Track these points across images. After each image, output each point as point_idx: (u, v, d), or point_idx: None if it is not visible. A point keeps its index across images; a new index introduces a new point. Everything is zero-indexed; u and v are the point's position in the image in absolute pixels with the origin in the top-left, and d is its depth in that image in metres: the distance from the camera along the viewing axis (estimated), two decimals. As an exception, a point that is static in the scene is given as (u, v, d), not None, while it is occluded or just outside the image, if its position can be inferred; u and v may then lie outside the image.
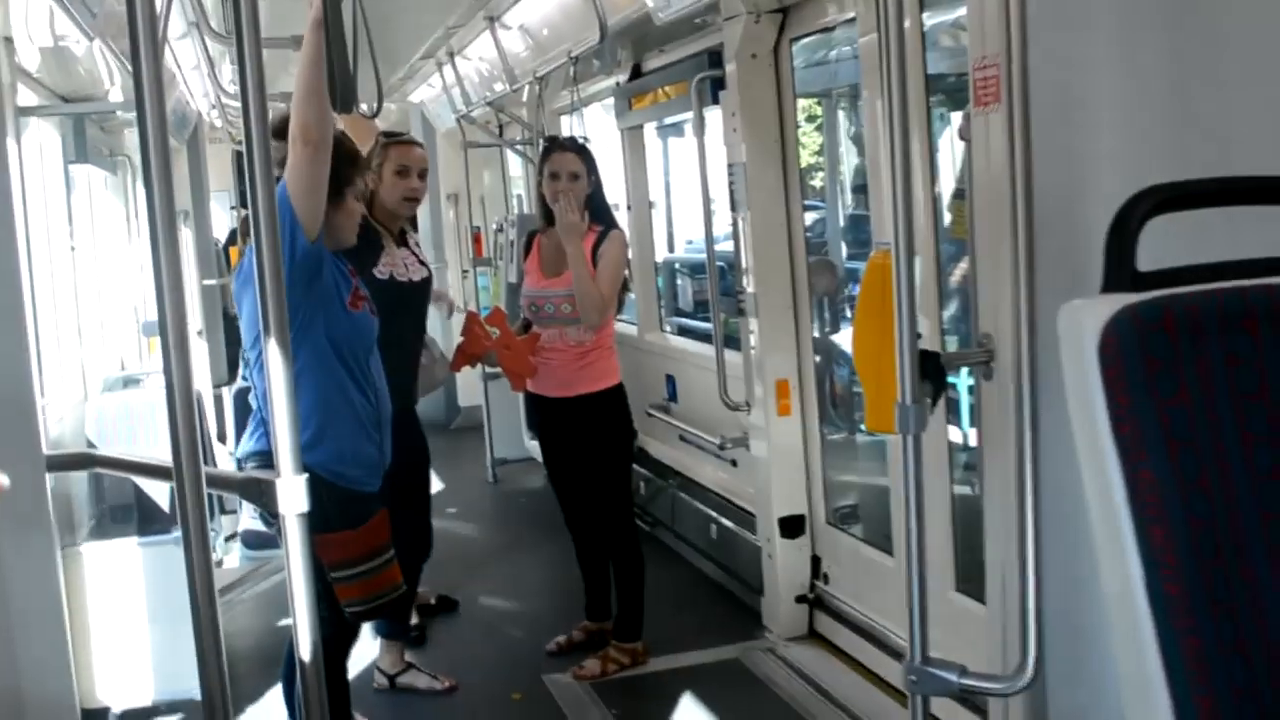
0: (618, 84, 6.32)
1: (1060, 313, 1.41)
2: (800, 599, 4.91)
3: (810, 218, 9.54)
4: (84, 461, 2.15)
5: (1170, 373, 1.33)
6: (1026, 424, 2.34)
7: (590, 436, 4.65)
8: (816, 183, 7.41)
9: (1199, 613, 1.25)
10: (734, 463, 5.53)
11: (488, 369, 7.80)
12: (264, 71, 2.01)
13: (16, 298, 1.63)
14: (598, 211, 4.69)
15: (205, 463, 4.88)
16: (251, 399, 3.68)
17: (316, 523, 2.91)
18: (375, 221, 4.31)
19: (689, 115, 5.34)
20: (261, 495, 2.03)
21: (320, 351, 3.37)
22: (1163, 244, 1.54)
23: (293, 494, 2.01)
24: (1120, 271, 1.40)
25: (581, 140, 4.95)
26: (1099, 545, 1.33)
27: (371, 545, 3.42)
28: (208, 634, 1.85)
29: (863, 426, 4.86)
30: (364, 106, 3.67)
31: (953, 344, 4.09)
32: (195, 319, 8.27)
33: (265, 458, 3.33)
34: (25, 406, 1.63)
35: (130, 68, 1.81)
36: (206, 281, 8.32)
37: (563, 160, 4.63)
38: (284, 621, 4.13)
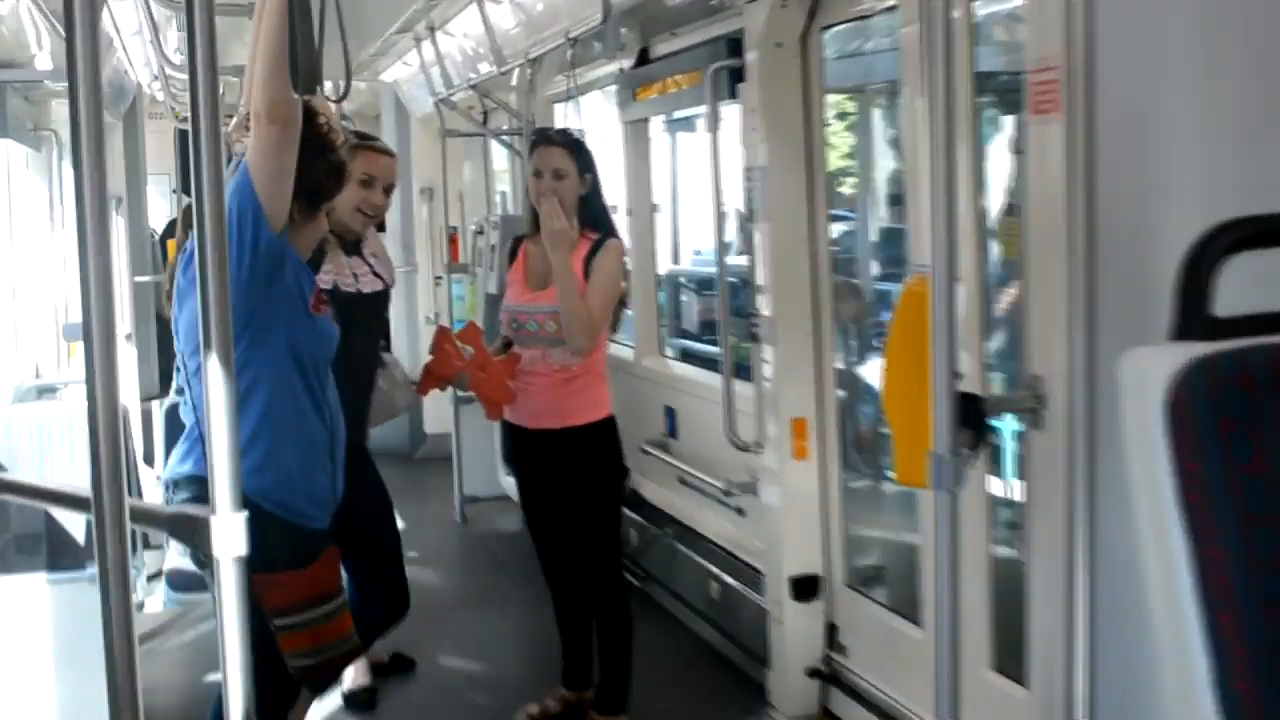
0: (621, 70, 6.34)
1: (1122, 361, 1.41)
2: (812, 673, 4.89)
3: (838, 230, 9.59)
4: (-13, 487, 2.14)
5: (1247, 436, 1.33)
6: (1080, 482, 2.34)
7: (574, 475, 4.64)
8: (846, 190, 7.43)
9: (1271, 713, 1.25)
10: (740, 511, 5.52)
11: (459, 393, 7.83)
12: (215, 40, 2.02)
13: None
14: (593, 217, 4.68)
15: (130, 489, 4.87)
16: (185, 413, 3.67)
17: (257, 561, 2.89)
18: None
19: (702, 109, 5.36)
20: (193, 534, 2.01)
21: (278, 360, 3.38)
22: (1241, 286, 1.54)
23: (230, 534, 2.00)
24: (1193, 317, 1.41)
25: (576, 133, 4.95)
26: (1159, 630, 1.33)
27: (320, 588, 3.42)
28: (124, 687, 1.84)
29: (890, 475, 4.86)
30: (329, 86, 3.69)
31: (998, 384, 4.10)
32: (125, 321, 8.29)
33: (199, 484, 3.33)
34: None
35: (62, 31, 1.82)
36: (140, 278, 8.35)
37: (548, 156, 4.62)
38: (212, 676, 4.11)
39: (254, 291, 3.28)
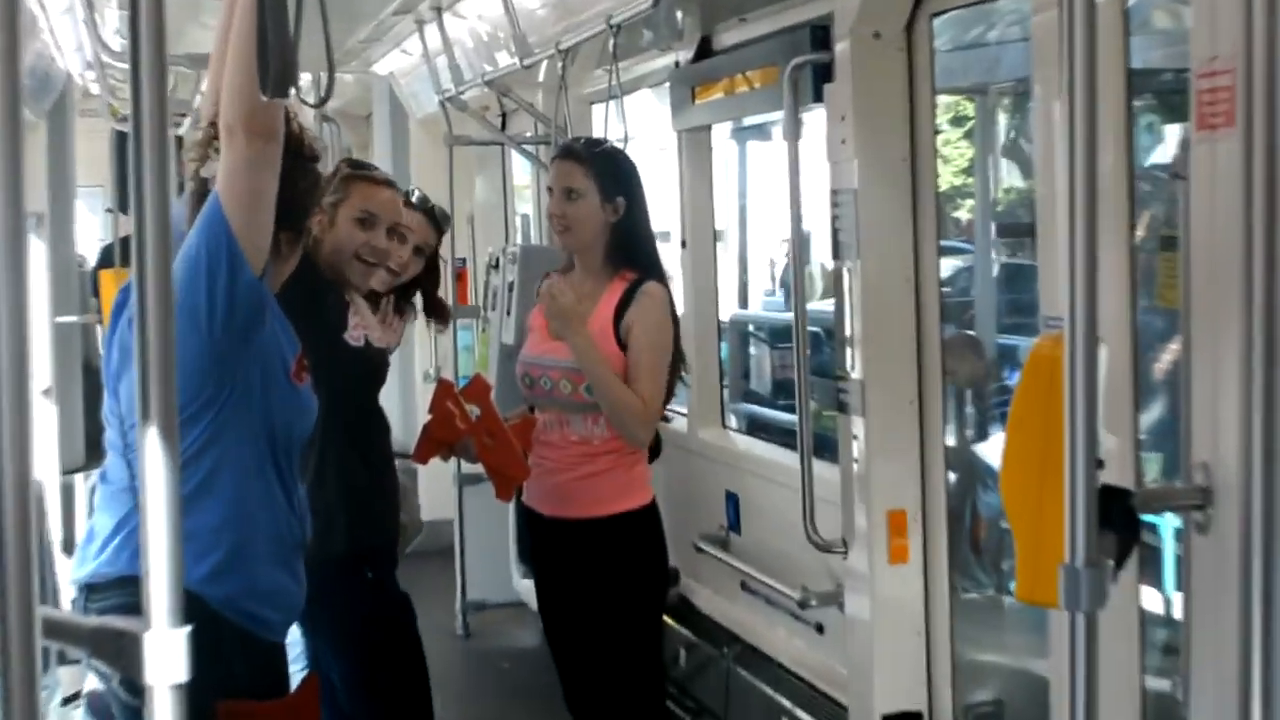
0: (677, 64, 6.37)
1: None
2: None
3: (950, 267, 9.57)
4: None
5: None
6: (1257, 601, 2.30)
7: (602, 579, 4.63)
8: (962, 215, 7.45)
9: None
10: (819, 628, 5.50)
11: (464, 464, 7.85)
12: (164, 20, 2.03)
13: None
14: (627, 252, 4.68)
15: (44, 593, 4.94)
16: (119, 496, 3.65)
17: (217, 686, 2.94)
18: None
19: (778, 115, 5.37)
20: (120, 655, 2.02)
21: (251, 438, 3.40)
22: None
23: (167, 654, 2.01)
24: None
25: (612, 144, 4.95)
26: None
27: None
28: None
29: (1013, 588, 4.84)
30: (305, 81, 3.70)
31: (1154, 468, 4.08)
32: (43, 372, 8.35)
33: (132, 588, 3.34)
34: None
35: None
36: (63, 318, 8.41)
37: (561, 170, 4.66)
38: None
39: (227, 351, 3.30)
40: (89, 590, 3.49)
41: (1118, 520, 2.51)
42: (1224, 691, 2.42)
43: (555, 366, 4.62)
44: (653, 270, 4.72)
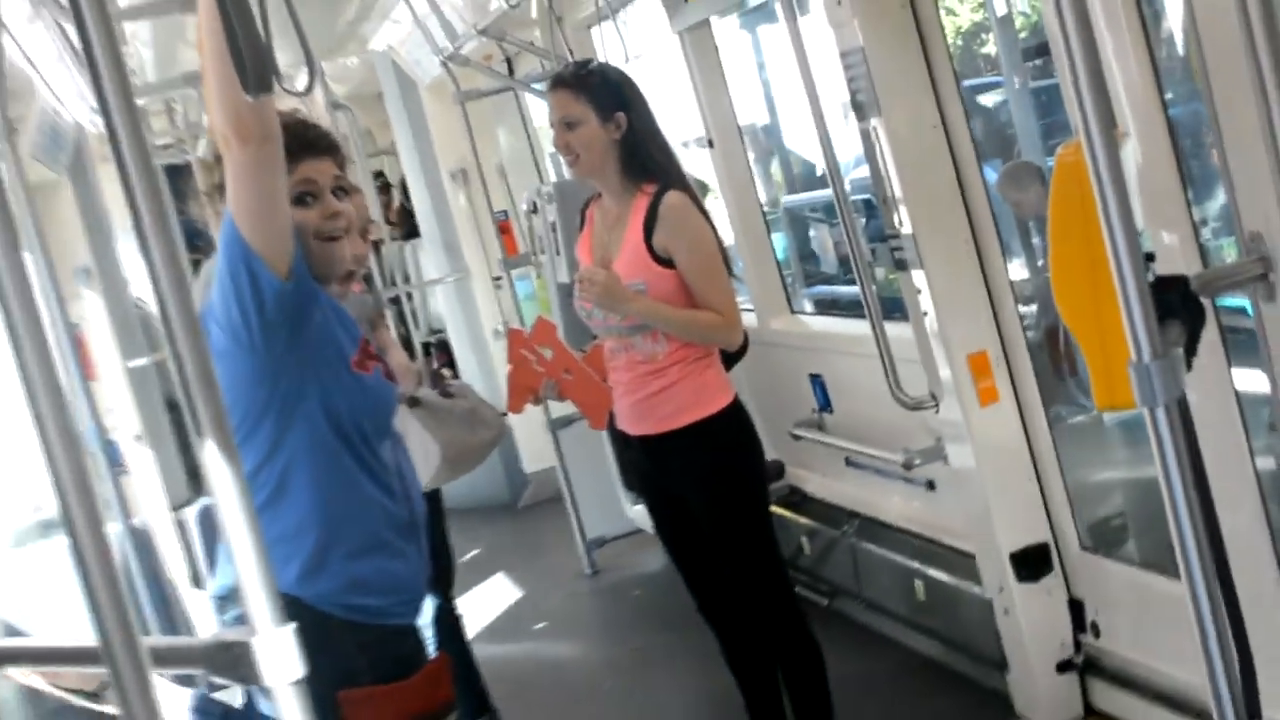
0: (665, -35, 6.34)
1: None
2: (1063, 666, 4.88)
3: (991, 101, 9.50)
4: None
5: None
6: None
7: (700, 486, 4.62)
8: (990, 49, 7.40)
9: None
10: (930, 485, 5.52)
11: (553, 409, 7.90)
12: (115, 41, 2.04)
13: None
14: (639, 163, 4.60)
15: (174, 625, 5.00)
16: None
17: (334, 678, 2.98)
18: None
19: (775, -6, 5.33)
20: (235, 665, 2.06)
21: (316, 434, 3.40)
22: None
23: (279, 655, 2.04)
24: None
25: (598, 65, 4.87)
26: None
27: (423, 705, 3.45)
28: None
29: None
30: (300, 82, 3.68)
31: (1225, 252, 4.04)
32: (131, 419, 8.44)
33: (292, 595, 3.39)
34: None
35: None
36: (134, 362, 8.48)
37: (555, 102, 4.61)
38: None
39: (274, 358, 3.30)
40: (221, 601, 3.54)
41: (1179, 308, 2.50)
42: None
43: None
44: (671, 176, 4.63)
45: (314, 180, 3.46)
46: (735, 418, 4.61)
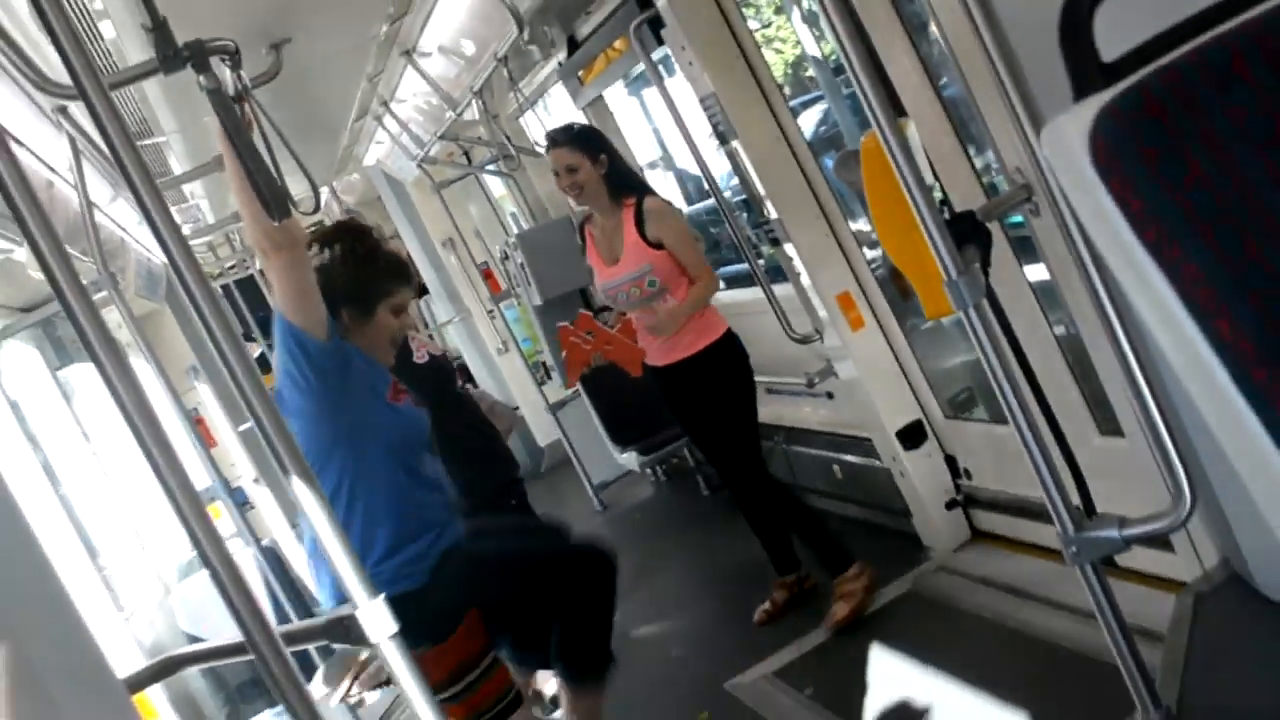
0: (559, 64, 6.31)
1: (1042, 138, 1.40)
2: (950, 504, 4.91)
3: (819, 110, 9.47)
4: (164, 669, 2.20)
5: (1174, 155, 1.31)
6: (1086, 254, 2.30)
7: (715, 389, 4.79)
8: (812, 72, 7.34)
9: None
10: (829, 395, 5.52)
11: (550, 397, 7.91)
12: (164, 204, 2.03)
13: (24, 535, 1.67)
14: (621, 185, 4.79)
15: (308, 611, 4.94)
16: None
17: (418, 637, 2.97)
18: None
19: (642, 66, 5.32)
20: (349, 633, 2.06)
21: (374, 454, 3.40)
22: (1132, 29, 1.51)
23: (376, 620, 2.04)
24: (1085, 71, 1.39)
25: (577, 127, 4.99)
26: (1175, 366, 1.32)
27: (460, 656, 3.45)
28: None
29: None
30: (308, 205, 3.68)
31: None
32: (248, 468, 8.41)
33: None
34: (79, 638, 1.67)
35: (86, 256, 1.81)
36: (243, 427, 8.45)
37: (556, 157, 4.78)
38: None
39: (331, 401, 3.31)
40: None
41: (972, 235, 2.50)
42: (1088, 313, 2.42)
43: (621, 283, 4.79)
44: (644, 190, 4.85)
45: (403, 304, 3.59)
46: (731, 340, 4.85)
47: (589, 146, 4.75)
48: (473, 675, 3.42)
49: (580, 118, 6.64)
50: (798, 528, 4.89)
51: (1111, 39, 1.45)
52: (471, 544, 3.55)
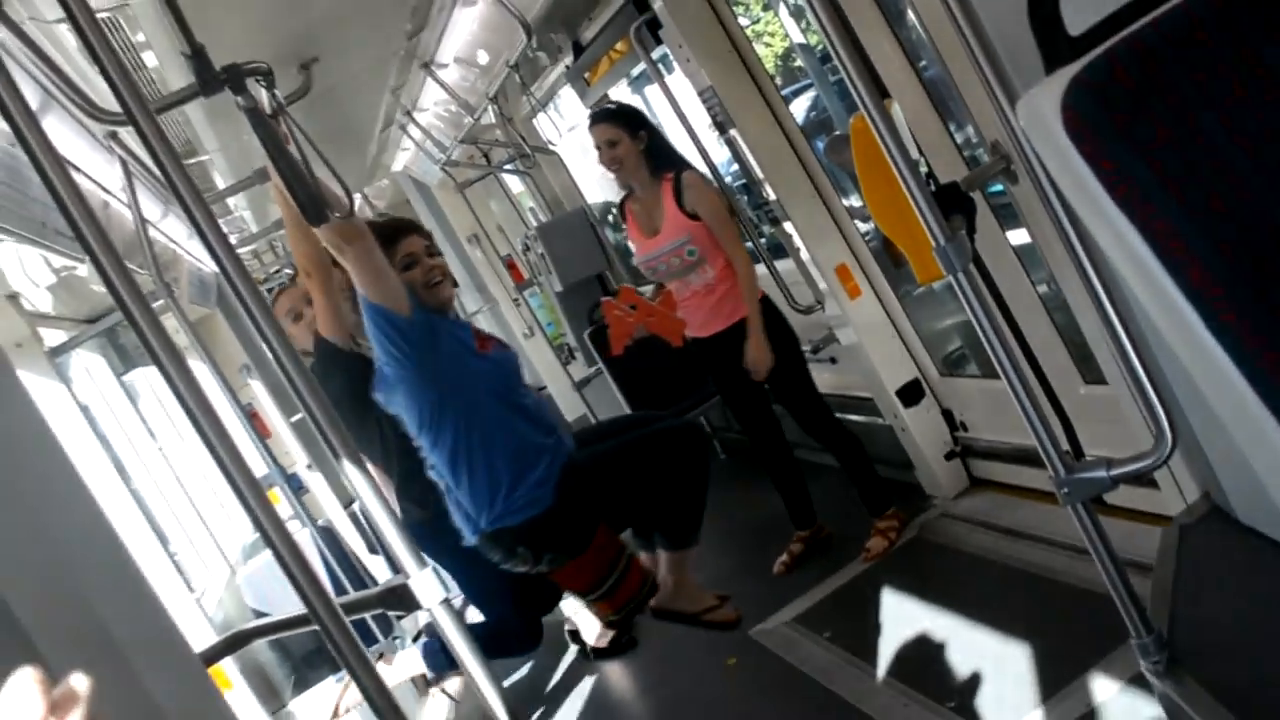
0: (566, 68, 6.30)
1: (1017, 110, 1.39)
2: (949, 455, 4.90)
3: (808, 97, 9.42)
4: (235, 643, 2.22)
5: (1141, 119, 1.30)
6: (1064, 216, 2.28)
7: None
8: (801, 62, 7.29)
9: (1265, 331, 1.24)
10: (833, 360, 5.51)
11: (576, 375, 7.92)
12: (212, 215, 2.04)
13: (103, 527, 1.68)
14: (661, 160, 4.71)
15: (363, 584, 4.96)
16: (434, 475, 3.62)
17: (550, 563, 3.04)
18: None
19: (644, 65, 5.31)
20: (402, 600, 2.07)
21: (483, 406, 3.43)
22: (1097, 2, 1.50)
23: (427, 588, 2.06)
24: (1054, 45, 1.38)
25: (617, 105, 4.95)
26: (1152, 314, 1.31)
27: (598, 569, 3.50)
28: (409, 745, 1.90)
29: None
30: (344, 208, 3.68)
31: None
32: (301, 455, 8.45)
33: (499, 536, 3.43)
34: (157, 618, 1.69)
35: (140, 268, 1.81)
36: (294, 418, 8.48)
37: (597, 133, 4.71)
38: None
39: (428, 367, 3.35)
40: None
41: (955, 203, 2.48)
42: (1070, 273, 2.41)
43: (662, 254, 4.73)
44: (681, 165, 4.75)
45: (412, 252, 3.59)
46: (769, 304, 4.76)
47: (629, 123, 4.69)
48: (612, 579, 3.47)
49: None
50: (854, 459, 4.85)
51: (1079, 12, 1.44)
52: (580, 455, 3.56)
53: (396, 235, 3.54)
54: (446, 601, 2.06)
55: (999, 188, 3.79)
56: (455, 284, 3.85)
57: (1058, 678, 3.33)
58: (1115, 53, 1.32)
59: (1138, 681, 2.95)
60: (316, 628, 1.89)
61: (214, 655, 2.27)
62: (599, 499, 3.53)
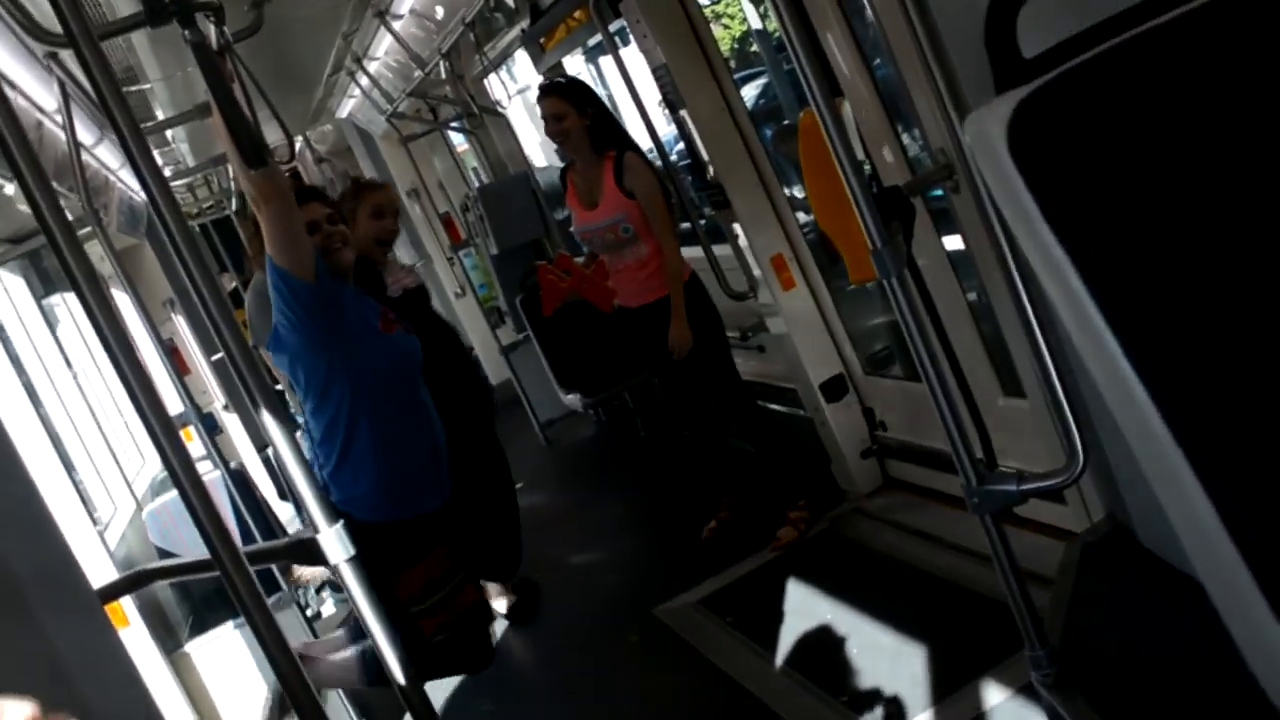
0: (522, 31, 6.25)
1: (964, 127, 1.41)
2: (866, 453, 4.94)
3: (759, 84, 9.42)
4: (135, 582, 2.19)
5: (1086, 147, 1.32)
6: (1000, 231, 2.32)
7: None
8: (756, 47, 7.29)
9: (1183, 365, 1.26)
10: (761, 348, 5.54)
11: (503, 339, 7.89)
12: (147, 146, 2.01)
13: (5, 449, 1.65)
14: (604, 138, 4.76)
15: (273, 528, 4.89)
16: (306, 449, 3.69)
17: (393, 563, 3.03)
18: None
19: (600, 36, 5.28)
20: (308, 555, 2.06)
21: (369, 386, 3.41)
22: (1053, 28, 1.51)
23: (335, 544, 2.04)
24: (1006, 67, 1.40)
25: (568, 80, 4.96)
26: (1072, 332, 1.33)
27: (427, 577, 3.50)
28: (300, 695, 1.89)
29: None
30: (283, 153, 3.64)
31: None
32: (218, 395, 8.35)
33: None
34: (56, 548, 1.66)
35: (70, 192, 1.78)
36: (215, 356, 8.37)
37: (545, 105, 4.75)
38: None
39: (320, 334, 3.31)
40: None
41: (896, 209, 2.51)
42: (998, 284, 2.44)
43: (598, 228, 4.79)
44: (625, 144, 4.80)
45: (313, 219, 3.53)
46: (696, 282, 4.84)
47: (577, 99, 4.73)
48: (442, 592, 3.47)
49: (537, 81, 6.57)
50: (770, 450, 4.92)
51: (1035, 32, 1.45)
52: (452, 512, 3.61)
53: (300, 199, 3.50)
54: (353, 559, 2.05)
55: (939, 192, 3.84)
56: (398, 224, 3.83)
57: (951, 681, 3.39)
58: (1065, 79, 1.33)
59: (1027, 691, 3.00)
60: (219, 574, 1.88)
61: (113, 592, 2.24)
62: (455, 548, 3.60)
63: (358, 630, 3.74)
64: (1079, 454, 2.25)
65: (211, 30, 2.77)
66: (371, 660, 3.62)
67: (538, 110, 4.84)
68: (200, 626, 5.02)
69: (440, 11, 5.74)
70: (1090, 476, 3.00)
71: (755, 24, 7.62)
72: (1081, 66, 1.36)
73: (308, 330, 3.30)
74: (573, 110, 4.69)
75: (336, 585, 5.45)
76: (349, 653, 3.64)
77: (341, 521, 2.03)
